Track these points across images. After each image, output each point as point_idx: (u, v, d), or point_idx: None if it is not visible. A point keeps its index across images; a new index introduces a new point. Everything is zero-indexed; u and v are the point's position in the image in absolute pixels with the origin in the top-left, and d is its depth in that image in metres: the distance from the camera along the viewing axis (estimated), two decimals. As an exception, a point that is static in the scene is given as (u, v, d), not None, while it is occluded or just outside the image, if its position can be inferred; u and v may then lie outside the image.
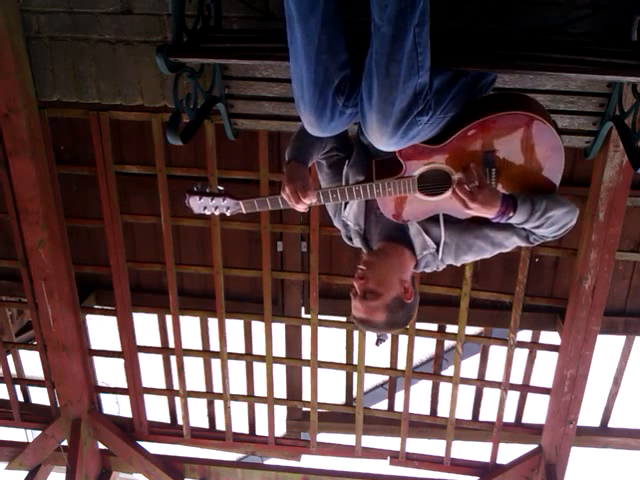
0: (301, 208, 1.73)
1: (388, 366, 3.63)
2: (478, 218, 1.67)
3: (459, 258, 1.74)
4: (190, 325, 3.61)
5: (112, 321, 3.48)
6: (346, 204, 1.82)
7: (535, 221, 1.60)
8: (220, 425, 3.76)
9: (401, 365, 3.55)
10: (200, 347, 3.68)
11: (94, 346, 3.69)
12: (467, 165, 1.59)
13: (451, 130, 1.62)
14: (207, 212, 1.83)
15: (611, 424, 3.78)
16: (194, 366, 3.76)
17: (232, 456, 4.36)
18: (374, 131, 1.54)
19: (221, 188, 1.81)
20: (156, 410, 3.88)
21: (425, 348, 6.27)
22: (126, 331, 3.43)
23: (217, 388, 3.65)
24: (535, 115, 1.58)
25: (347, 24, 1.55)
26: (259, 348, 3.58)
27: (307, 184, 1.68)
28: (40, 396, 3.84)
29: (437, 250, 1.72)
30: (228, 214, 1.83)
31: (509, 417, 3.61)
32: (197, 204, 1.82)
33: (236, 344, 3.61)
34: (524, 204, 1.58)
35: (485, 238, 1.69)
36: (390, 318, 1.67)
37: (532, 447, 3.45)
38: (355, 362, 3.46)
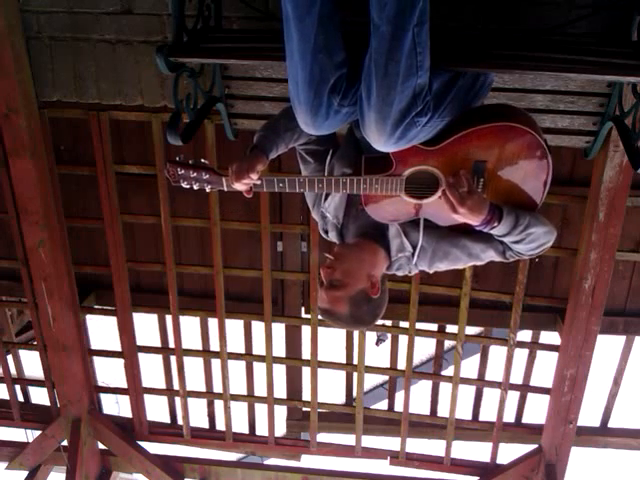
0: (240, 187, 1.70)
1: (388, 366, 3.63)
2: (458, 227, 1.67)
3: (433, 265, 1.74)
4: (190, 325, 3.61)
5: (112, 321, 3.48)
6: (327, 195, 1.81)
7: (516, 235, 1.61)
8: (220, 425, 3.76)
9: (401, 365, 3.55)
10: (200, 347, 3.68)
11: (94, 346, 3.69)
12: (457, 171, 1.59)
13: (446, 134, 1.62)
14: (186, 185, 1.77)
15: (611, 424, 3.77)
16: (194, 366, 3.76)
17: (232, 456, 4.36)
18: (372, 131, 1.54)
19: (204, 161, 1.76)
20: (156, 410, 3.88)
21: (425, 348, 6.27)
22: (126, 331, 3.43)
23: (217, 388, 3.65)
24: (529, 130, 1.58)
25: (345, 23, 1.55)
26: (259, 348, 3.57)
27: (252, 166, 1.66)
28: (40, 396, 3.84)
29: (413, 254, 1.72)
30: (208, 190, 1.78)
31: (509, 417, 3.60)
32: (177, 175, 1.75)
33: (236, 344, 3.61)
34: (509, 216, 1.58)
35: (462, 248, 1.69)
36: (353, 312, 1.66)
37: (532, 447, 3.45)
38: (355, 362, 3.46)
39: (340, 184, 1.67)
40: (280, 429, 3.82)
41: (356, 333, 3.40)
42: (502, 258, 1.70)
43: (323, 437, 3.76)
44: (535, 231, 1.62)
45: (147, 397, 3.64)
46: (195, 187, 1.77)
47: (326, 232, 1.89)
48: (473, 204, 1.55)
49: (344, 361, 3.69)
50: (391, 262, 1.75)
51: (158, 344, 3.75)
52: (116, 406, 6.50)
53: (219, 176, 1.74)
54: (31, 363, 4.08)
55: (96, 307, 3.74)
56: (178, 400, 3.67)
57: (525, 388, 3.58)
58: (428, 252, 1.71)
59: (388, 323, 3.53)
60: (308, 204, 1.92)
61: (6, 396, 3.76)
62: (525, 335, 3.71)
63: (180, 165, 1.74)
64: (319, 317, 3.27)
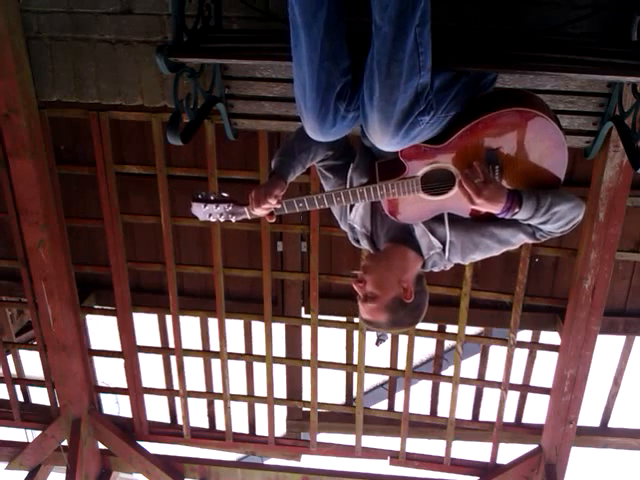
0: (260, 213, 1.75)
1: (388, 366, 3.63)
2: (483, 216, 1.67)
3: (466, 257, 1.74)
4: (190, 325, 3.61)
5: (112, 321, 3.48)
6: (352, 207, 1.82)
7: (541, 217, 1.60)
8: (220, 425, 3.76)
9: (401, 365, 3.55)
10: (200, 347, 3.68)
11: (94, 346, 3.69)
12: (470, 163, 1.59)
13: (453, 129, 1.62)
14: (212, 219, 1.84)
15: (611, 424, 3.77)
16: (194, 366, 3.76)
17: (232, 456, 4.35)
18: (376, 131, 1.54)
19: (225, 195, 1.80)
20: (156, 410, 3.88)
21: (425, 348, 6.27)
22: (126, 331, 3.43)
23: (217, 388, 3.65)
24: (537, 111, 1.58)
25: (349, 26, 1.55)
26: (259, 348, 3.57)
27: (270, 192, 1.70)
28: (40, 396, 3.84)
29: (443, 250, 1.72)
30: (233, 220, 1.83)
31: (509, 417, 3.60)
32: (202, 211, 1.82)
33: (236, 344, 3.61)
34: (529, 199, 1.57)
35: (491, 236, 1.68)
36: (392, 318, 1.68)
37: (532, 447, 3.45)
38: (355, 362, 3.46)
39: (358, 194, 1.69)
40: (280, 429, 3.82)
41: (356, 333, 3.40)
42: (533, 239, 1.70)
43: (323, 437, 3.76)
44: (560, 209, 1.60)
45: (147, 397, 3.64)
46: (221, 220, 1.83)
47: (357, 241, 1.89)
48: (490, 193, 1.54)
49: (344, 361, 3.69)
50: (425, 260, 1.76)
51: (158, 344, 3.75)
52: (116, 406, 6.50)
53: (241, 206, 1.79)
54: (31, 363, 4.08)
55: (96, 307, 3.74)
56: (178, 400, 3.67)
57: (525, 388, 3.58)
58: (458, 246, 1.71)
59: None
60: (336, 218, 1.93)
61: (6, 396, 3.76)
62: (525, 335, 3.71)
63: (203, 201, 1.80)
64: (319, 317, 3.28)
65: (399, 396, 3.63)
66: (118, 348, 3.52)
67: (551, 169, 1.65)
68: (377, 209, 1.79)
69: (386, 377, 4.76)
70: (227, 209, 1.80)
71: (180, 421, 3.73)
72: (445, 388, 3.51)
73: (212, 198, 1.79)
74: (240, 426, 3.74)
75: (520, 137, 1.60)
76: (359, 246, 1.90)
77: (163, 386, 3.78)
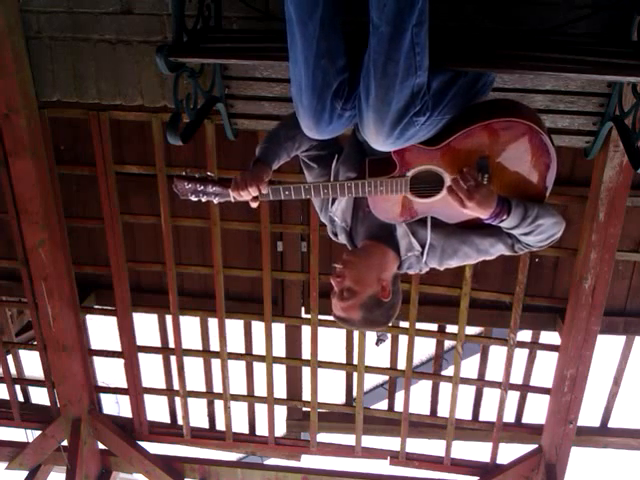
0: (246, 197, 1.72)
1: (388, 366, 3.63)
2: (465, 224, 1.67)
3: (443, 262, 1.74)
4: (190, 325, 3.61)
5: (112, 321, 3.48)
6: (334, 200, 1.82)
7: (526, 227, 1.61)
8: (220, 425, 3.76)
9: (401, 365, 3.55)
10: (200, 347, 3.68)
11: (94, 346, 3.69)
12: (461, 169, 1.59)
13: (447, 133, 1.62)
14: (194, 198, 1.80)
15: (611, 424, 3.78)
16: (194, 366, 3.76)
17: (232, 456, 4.36)
18: (371, 131, 1.54)
19: (210, 174, 1.78)
20: (156, 410, 3.88)
21: (425, 348, 6.27)
22: (126, 331, 3.43)
23: (217, 388, 3.66)
24: (531, 124, 1.58)
25: (345, 25, 1.55)
26: (259, 348, 3.58)
27: (256, 177, 1.69)
28: (40, 396, 3.84)
29: (422, 253, 1.72)
30: (215, 202, 1.81)
31: (509, 417, 3.60)
32: (185, 189, 1.79)
33: (236, 344, 3.61)
34: (518, 208, 1.58)
35: (471, 244, 1.69)
36: (367, 316, 1.67)
37: (532, 447, 3.45)
38: (355, 362, 3.46)
39: (345, 188, 1.68)
40: (280, 429, 3.82)
41: (356, 333, 3.40)
42: (511, 252, 1.70)
43: (323, 437, 3.76)
44: (544, 222, 1.61)
45: (147, 397, 3.64)
46: (203, 199, 1.81)
47: (335, 235, 1.89)
48: (481, 197, 1.55)
49: (344, 361, 3.69)
50: (401, 261, 1.75)
51: (158, 344, 3.75)
52: (116, 406, 6.51)
53: (225, 188, 1.76)
54: (31, 363, 4.08)
55: (96, 307, 3.74)
56: (178, 400, 3.67)
57: (525, 388, 3.58)
58: (437, 250, 1.71)
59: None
60: (315, 208, 1.92)
61: (6, 396, 3.76)
62: (525, 335, 3.71)
63: (187, 179, 1.77)
64: (319, 317, 3.28)
65: (399, 396, 3.63)
66: (118, 348, 3.52)
67: (538, 183, 1.65)
68: (360, 205, 1.78)
69: (386, 377, 4.76)
70: (210, 189, 1.77)
71: (180, 421, 3.73)
72: (445, 388, 3.51)
73: (196, 176, 1.77)
74: (240, 426, 3.74)
75: (512, 148, 1.61)
76: (336, 240, 1.90)
77: (163, 386, 3.78)
